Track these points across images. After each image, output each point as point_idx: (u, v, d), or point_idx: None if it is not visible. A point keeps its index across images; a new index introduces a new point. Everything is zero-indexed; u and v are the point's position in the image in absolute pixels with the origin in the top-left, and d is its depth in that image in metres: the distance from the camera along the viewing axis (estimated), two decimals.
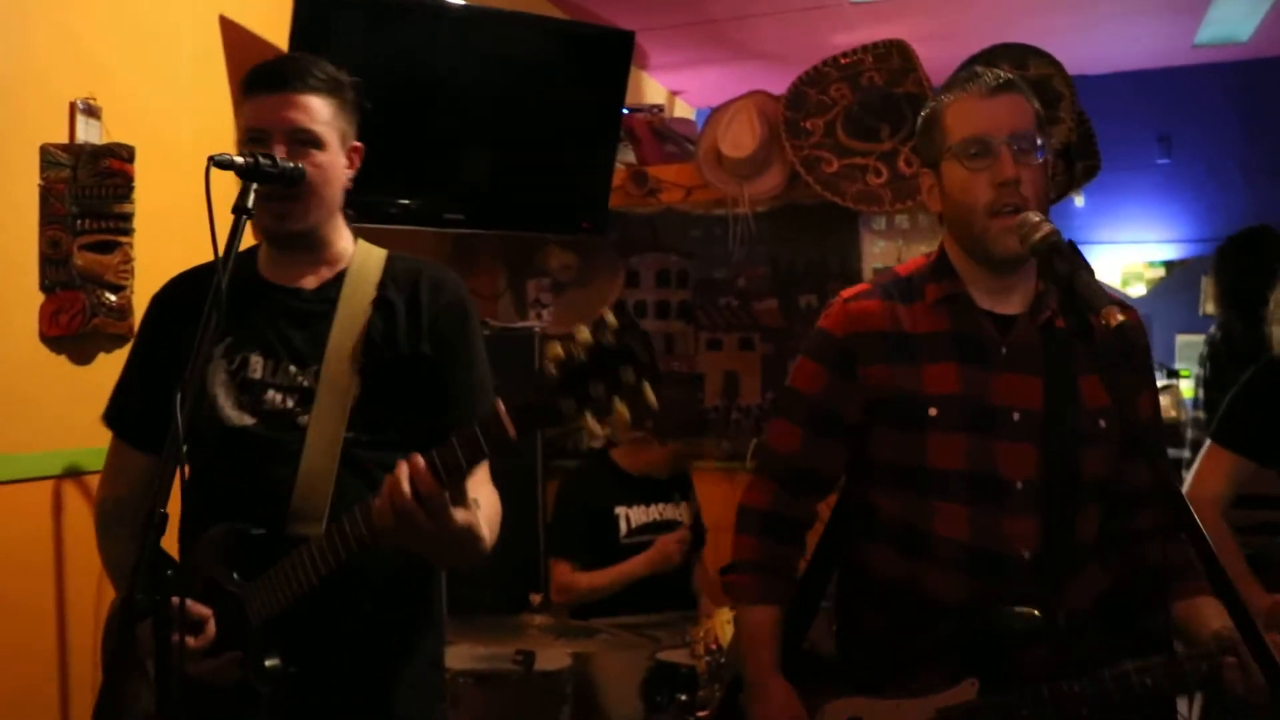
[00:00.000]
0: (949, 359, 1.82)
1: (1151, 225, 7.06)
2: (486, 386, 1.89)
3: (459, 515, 1.60)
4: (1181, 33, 6.31)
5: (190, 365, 1.52)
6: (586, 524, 3.52)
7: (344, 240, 1.93)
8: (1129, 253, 7.04)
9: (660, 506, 3.64)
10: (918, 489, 1.81)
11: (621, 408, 1.47)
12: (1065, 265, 1.58)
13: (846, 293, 1.94)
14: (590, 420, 1.47)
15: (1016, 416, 1.79)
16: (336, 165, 1.86)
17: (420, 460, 1.55)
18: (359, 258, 1.92)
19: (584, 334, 1.45)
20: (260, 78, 1.85)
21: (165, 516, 1.41)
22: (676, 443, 3.67)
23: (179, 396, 1.46)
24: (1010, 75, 1.83)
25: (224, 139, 3.01)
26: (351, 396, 1.80)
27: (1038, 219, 1.69)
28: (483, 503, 1.76)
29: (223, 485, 1.80)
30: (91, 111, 2.60)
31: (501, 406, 1.50)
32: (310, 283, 1.90)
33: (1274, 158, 6.76)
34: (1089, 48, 6.24)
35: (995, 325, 1.83)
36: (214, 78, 3.03)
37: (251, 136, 1.81)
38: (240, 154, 1.68)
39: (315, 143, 1.81)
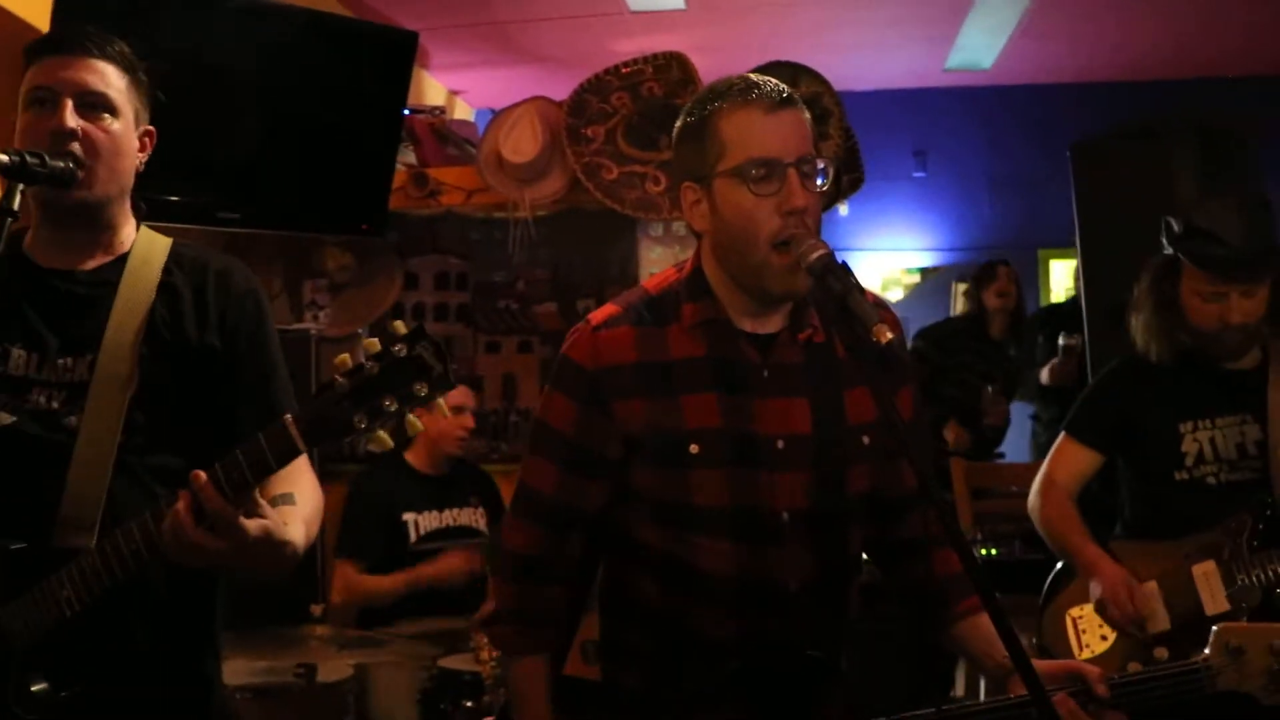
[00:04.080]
0: (709, 389, 1.71)
1: (908, 234, 7.50)
2: (286, 386, 1.82)
3: (252, 527, 1.53)
4: (934, 57, 6.75)
5: None
6: (374, 527, 3.47)
7: (129, 227, 1.82)
8: (888, 260, 7.46)
9: (454, 512, 3.61)
10: (680, 524, 1.73)
11: (414, 420, 1.48)
12: (839, 285, 1.56)
13: (595, 317, 1.78)
14: (382, 434, 1.47)
15: (781, 444, 1.71)
16: (129, 138, 1.76)
17: (204, 476, 1.49)
18: (142, 243, 1.81)
19: (374, 345, 1.44)
20: (50, 41, 1.77)
21: None
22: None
23: None
24: (788, 89, 1.69)
25: None
26: (130, 391, 1.69)
27: (812, 240, 1.62)
28: (300, 498, 1.69)
29: None
30: None
31: (289, 418, 1.48)
32: (86, 266, 1.77)
33: (1014, 174, 7.27)
34: (852, 66, 6.56)
35: (756, 346, 1.73)
36: None
37: (36, 97, 1.70)
38: (5, 152, 1.58)
39: (108, 108, 1.73)
